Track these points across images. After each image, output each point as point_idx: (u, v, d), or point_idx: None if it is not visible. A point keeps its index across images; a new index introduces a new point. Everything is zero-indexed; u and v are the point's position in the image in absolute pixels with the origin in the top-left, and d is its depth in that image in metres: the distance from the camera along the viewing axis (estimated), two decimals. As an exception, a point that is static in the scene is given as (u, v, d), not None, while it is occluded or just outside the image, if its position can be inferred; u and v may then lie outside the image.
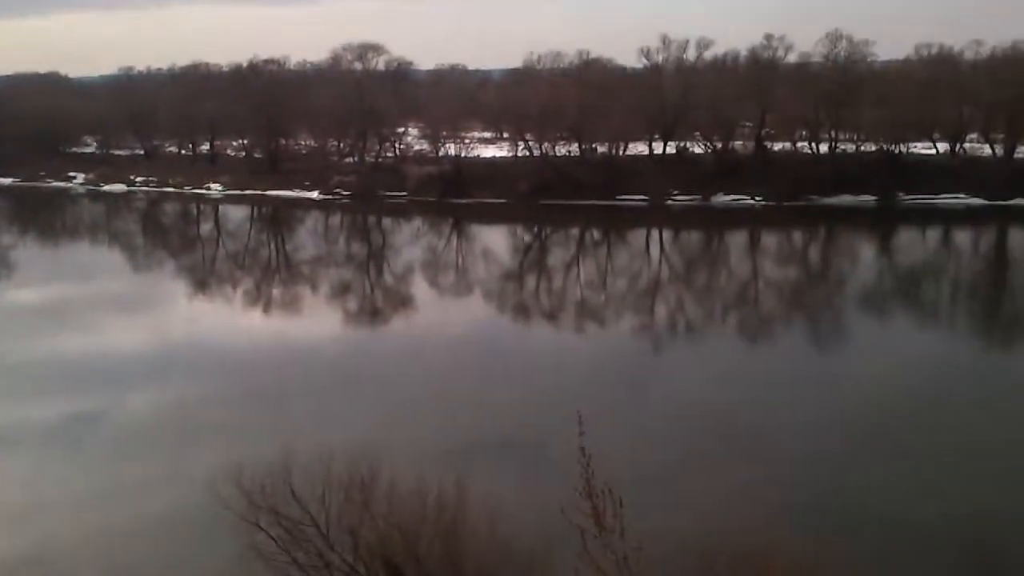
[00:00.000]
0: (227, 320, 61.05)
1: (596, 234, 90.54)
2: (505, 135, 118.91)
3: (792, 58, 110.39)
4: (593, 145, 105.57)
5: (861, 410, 39.30)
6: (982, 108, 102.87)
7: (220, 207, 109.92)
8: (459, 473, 22.84)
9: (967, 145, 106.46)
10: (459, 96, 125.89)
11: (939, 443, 36.10)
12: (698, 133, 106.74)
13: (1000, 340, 55.61)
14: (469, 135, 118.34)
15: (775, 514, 28.46)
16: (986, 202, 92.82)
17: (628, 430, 35.84)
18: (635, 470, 28.02)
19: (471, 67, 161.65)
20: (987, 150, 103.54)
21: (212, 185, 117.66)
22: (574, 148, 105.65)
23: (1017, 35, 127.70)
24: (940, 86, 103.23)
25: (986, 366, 48.28)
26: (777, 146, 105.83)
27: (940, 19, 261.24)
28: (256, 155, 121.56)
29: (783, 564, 17.82)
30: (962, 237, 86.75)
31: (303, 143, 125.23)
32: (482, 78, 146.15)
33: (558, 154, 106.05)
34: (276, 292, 70.13)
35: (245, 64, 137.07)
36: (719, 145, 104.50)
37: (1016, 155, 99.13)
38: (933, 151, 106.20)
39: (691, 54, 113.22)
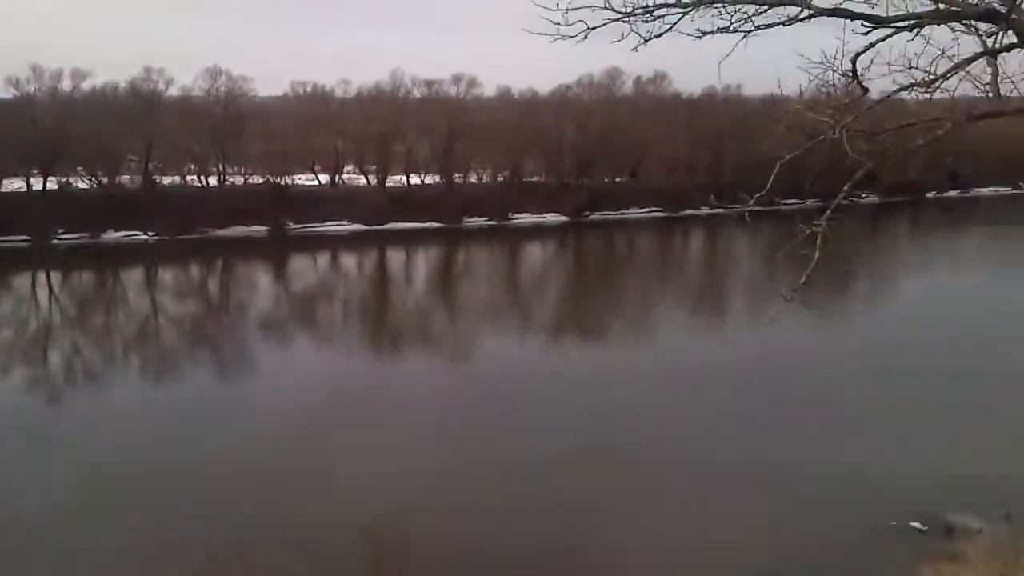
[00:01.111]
0: None
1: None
2: None
3: (174, 92, 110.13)
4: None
5: (278, 432, 41.19)
6: (355, 143, 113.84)
7: None
8: None
9: (345, 176, 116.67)
10: None
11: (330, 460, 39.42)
12: (81, 168, 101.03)
13: (387, 348, 62.16)
14: None
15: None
16: (366, 227, 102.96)
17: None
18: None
19: None
20: (363, 180, 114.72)
21: None
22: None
23: (379, 76, 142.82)
24: (317, 121, 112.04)
25: (374, 373, 53.83)
26: (167, 180, 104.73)
27: (309, 58, 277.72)
28: None
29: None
30: (348, 260, 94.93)
31: None
32: None
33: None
34: None
35: None
36: (105, 180, 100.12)
37: (388, 184, 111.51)
38: (316, 182, 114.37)
39: (67, 84, 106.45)
